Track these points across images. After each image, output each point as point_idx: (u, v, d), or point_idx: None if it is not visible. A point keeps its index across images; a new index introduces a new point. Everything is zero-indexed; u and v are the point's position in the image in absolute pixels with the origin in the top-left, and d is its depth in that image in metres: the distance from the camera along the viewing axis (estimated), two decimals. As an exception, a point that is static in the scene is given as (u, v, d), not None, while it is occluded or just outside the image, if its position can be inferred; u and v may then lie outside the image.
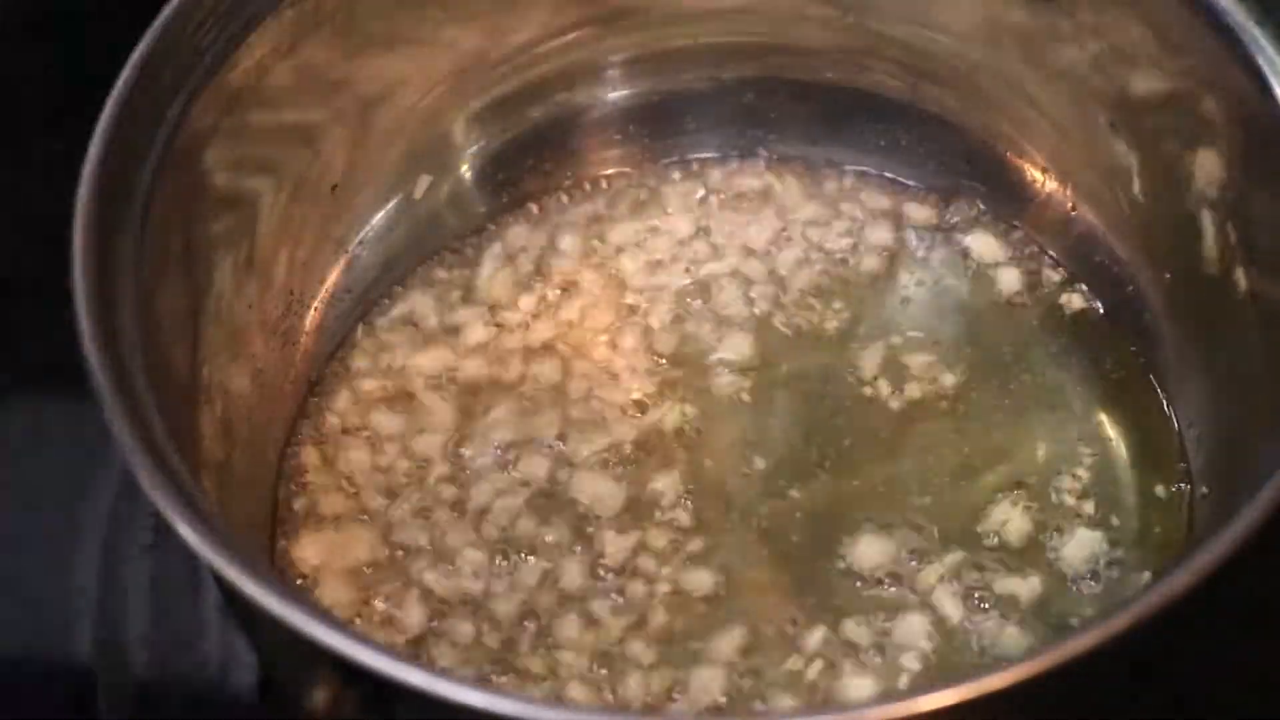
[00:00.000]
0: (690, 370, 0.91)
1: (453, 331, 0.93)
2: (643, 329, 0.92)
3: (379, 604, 0.83)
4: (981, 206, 0.96)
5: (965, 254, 0.95)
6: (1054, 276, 0.93)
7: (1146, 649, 0.71)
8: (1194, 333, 0.87)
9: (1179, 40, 0.83)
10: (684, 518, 0.85)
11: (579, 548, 0.84)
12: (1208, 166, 0.84)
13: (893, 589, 0.82)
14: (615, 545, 0.84)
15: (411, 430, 0.89)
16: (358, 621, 0.82)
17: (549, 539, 0.84)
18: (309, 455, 0.88)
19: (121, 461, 0.67)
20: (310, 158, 0.90)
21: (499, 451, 0.88)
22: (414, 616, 0.82)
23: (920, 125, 0.97)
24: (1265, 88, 0.78)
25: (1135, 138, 0.89)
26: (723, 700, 0.78)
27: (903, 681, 0.79)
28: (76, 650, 0.87)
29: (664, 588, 0.82)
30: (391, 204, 0.95)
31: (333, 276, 0.93)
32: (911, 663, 0.79)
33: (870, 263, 0.95)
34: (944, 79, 0.95)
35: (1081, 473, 0.86)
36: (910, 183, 0.97)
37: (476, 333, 0.92)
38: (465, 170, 0.97)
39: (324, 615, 0.64)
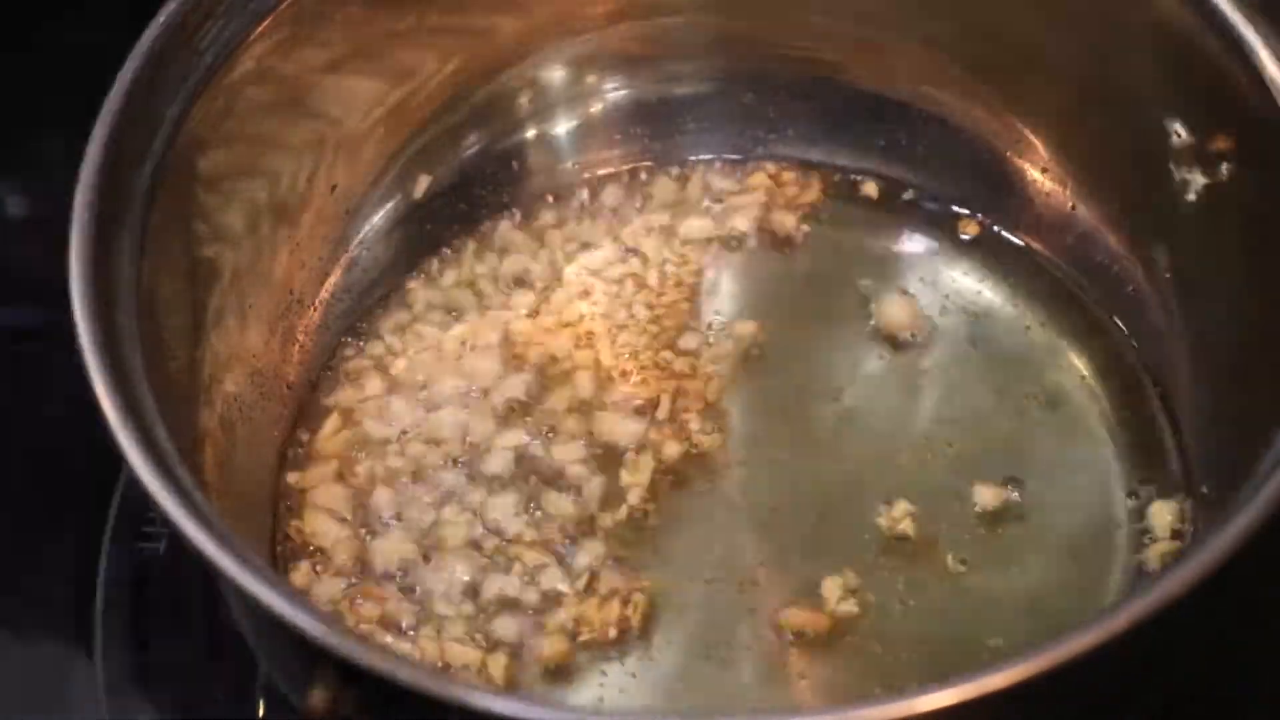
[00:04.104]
0: (688, 368, 0.91)
1: (453, 332, 0.93)
2: (643, 328, 0.92)
3: (378, 602, 0.83)
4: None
5: (963, 255, 0.95)
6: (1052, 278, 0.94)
7: (1146, 649, 0.71)
8: (1194, 333, 0.87)
9: (1179, 40, 0.83)
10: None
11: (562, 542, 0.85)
12: (1208, 166, 0.84)
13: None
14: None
15: (412, 429, 0.89)
16: (360, 624, 0.82)
17: (543, 538, 0.84)
18: (309, 455, 0.88)
19: (122, 462, 0.67)
20: (310, 158, 0.90)
21: (498, 451, 0.87)
22: (408, 616, 0.82)
23: (920, 125, 0.97)
24: (1265, 88, 0.78)
25: (1135, 138, 0.89)
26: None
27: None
28: (78, 651, 0.87)
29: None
30: (391, 204, 0.95)
31: (333, 276, 0.93)
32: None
33: (868, 261, 0.95)
34: (944, 79, 0.95)
35: (1082, 473, 0.86)
36: (910, 183, 0.97)
37: (476, 333, 0.92)
38: (465, 170, 0.97)
39: (324, 615, 0.64)
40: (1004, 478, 0.85)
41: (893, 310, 0.92)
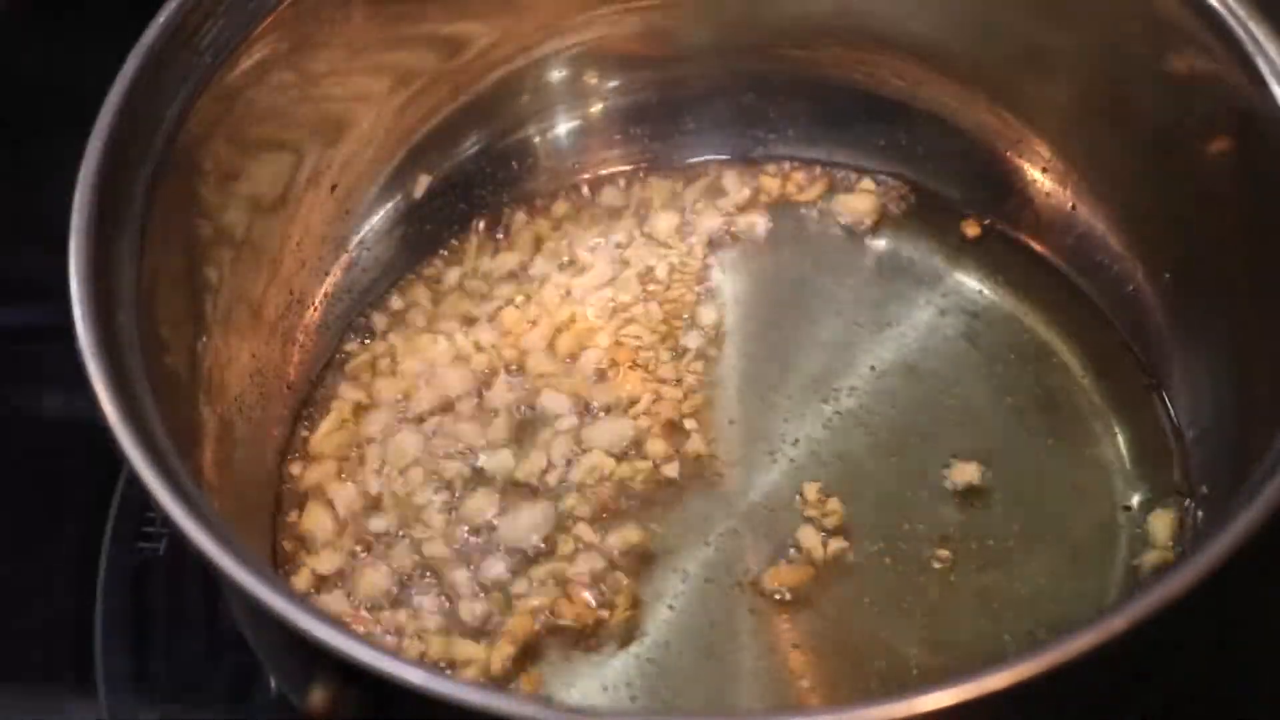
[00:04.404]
0: (683, 368, 0.91)
1: (453, 331, 0.93)
2: (642, 328, 0.92)
3: (376, 599, 0.83)
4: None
5: (963, 255, 0.95)
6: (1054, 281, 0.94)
7: (1146, 649, 0.71)
8: (1194, 333, 0.87)
9: (1179, 40, 0.83)
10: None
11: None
12: (1208, 166, 0.84)
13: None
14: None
15: (411, 429, 0.89)
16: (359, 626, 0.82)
17: (540, 537, 0.84)
18: (308, 454, 0.88)
19: (122, 462, 0.67)
20: (310, 157, 0.90)
21: (493, 449, 0.87)
22: (406, 615, 0.82)
23: (920, 125, 0.97)
24: (1265, 88, 0.78)
25: (1135, 137, 0.89)
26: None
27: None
28: (78, 651, 0.87)
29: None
30: (391, 204, 0.95)
31: (333, 276, 0.93)
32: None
33: (869, 262, 0.95)
34: (944, 79, 0.95)
35: (1081, 473, 0.86)
36: (910, 183, 0.97)
37: (476, 332, 0.92)
38: (465, 169, 0.97)
39: (324, 615, 0.64)
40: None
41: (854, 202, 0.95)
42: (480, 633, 0.81)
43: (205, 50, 0.80)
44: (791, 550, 0.83)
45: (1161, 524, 0.83)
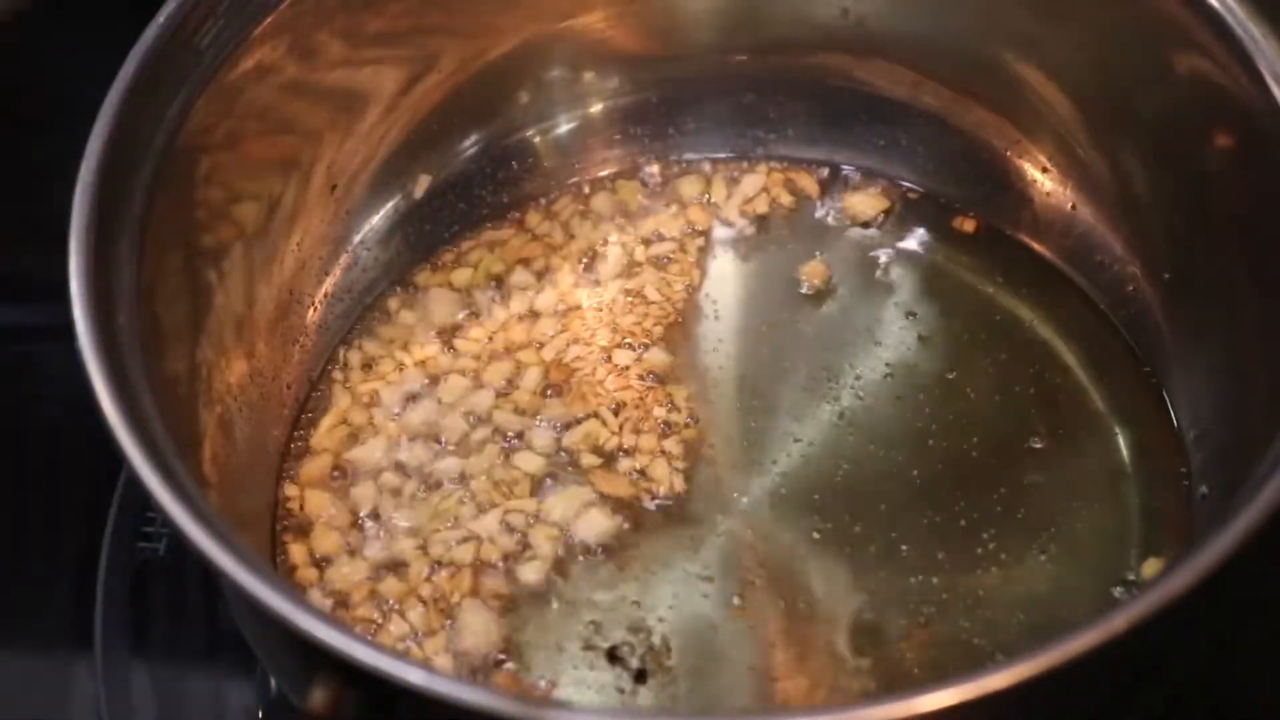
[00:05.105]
0: (687, 360, 0.91)
1: (453, 331, 0.93)
2: (641, 328, 0.92)
3: (378, 601, 0.83)
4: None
5: (963, 255, 0.95)
6: (1053, 281, 0.94)
7: (1146, 649, 0.71)
8: (1194, 333, 0.87)
9: (1179, 40, 0.83)
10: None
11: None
12: (1208, 166, 0.84)
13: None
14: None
15: (411, 429, 0.89)
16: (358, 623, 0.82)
17: (535, 532, 0.85)
18: (308, 453, 0.88)
19: (122, 462, 0.67)
20: (310, 158, 0.90)
21: (496, 450, 0.88)
22: (414, 616, 0.82)
23: (920, 125, 0.97)
24: (1265, 88, 0.78)
25: (1135, 138, 0.89)
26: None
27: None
28: (78, 651, 0.87)
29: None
30: (391, 204, 0.95)
31: (333, 276, 0.93)
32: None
33: (869, 262, 0.95)
34: (944, 80, 0.95)
35: (1081, 473, 0.86)
36: (910, 183, 0.97)
37: (477, 332, 0.93)
38: (465, 170, 0.97)
39: (324, 615, 0.64)
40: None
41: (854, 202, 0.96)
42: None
43: (205, 50, 0.80)
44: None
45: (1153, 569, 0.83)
